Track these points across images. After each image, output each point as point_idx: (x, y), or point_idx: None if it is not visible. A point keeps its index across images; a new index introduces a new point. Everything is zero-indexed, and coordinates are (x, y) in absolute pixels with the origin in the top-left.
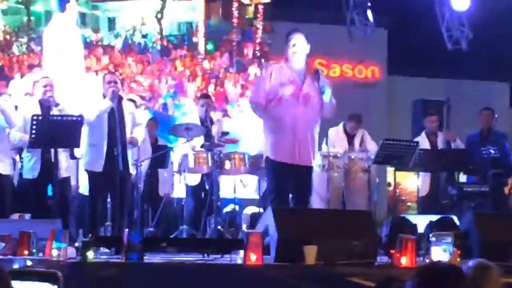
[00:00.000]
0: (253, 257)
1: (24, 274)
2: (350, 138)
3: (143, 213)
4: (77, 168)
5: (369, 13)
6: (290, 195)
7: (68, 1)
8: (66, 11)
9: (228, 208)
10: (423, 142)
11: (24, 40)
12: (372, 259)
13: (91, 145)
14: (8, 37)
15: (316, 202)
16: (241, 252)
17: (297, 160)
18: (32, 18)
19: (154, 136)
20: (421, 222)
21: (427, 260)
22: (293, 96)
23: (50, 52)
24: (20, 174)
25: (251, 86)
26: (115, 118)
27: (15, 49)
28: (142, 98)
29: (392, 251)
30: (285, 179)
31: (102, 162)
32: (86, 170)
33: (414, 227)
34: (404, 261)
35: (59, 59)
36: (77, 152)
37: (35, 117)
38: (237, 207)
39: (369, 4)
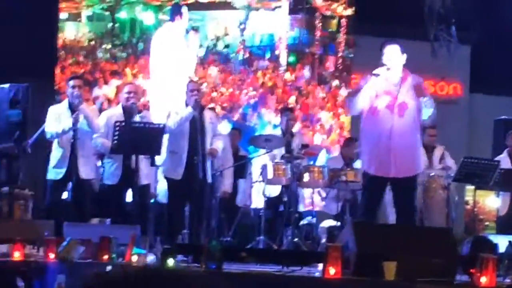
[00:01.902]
0: (332, 271)
1: None
2: (430, 154)
3: (220, 222)
4: (156, 175)
5: (453, 29)
6: (391, 210)
7: (179, 12)
8: (176, 22)
9: (305, 220)
10: (505, 161)
11: (108, 46)
12: (451, 277)
13: (171, 153)
14: (92, 43)
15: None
16: (320, 265)
17: (394, 173)
18: (116, 25)
19: (236, 146)
20: (501, 242)
21: (508, 281)
22: (388, 107)
23: (156, 59)
24: (101, 180)
25: (332, 100)
26: (197, 126)
27: (99, 55)
28: (223, 108)
29: (472, 271)
30: (379, 194)
31: (182, 170)
32: (166, 178)
33: (495, 246)
34: (484, 280)
35: (165, 66)
36: (157, 159)
37: (117, 124)
38: (314, 220)
39: (453, 20)
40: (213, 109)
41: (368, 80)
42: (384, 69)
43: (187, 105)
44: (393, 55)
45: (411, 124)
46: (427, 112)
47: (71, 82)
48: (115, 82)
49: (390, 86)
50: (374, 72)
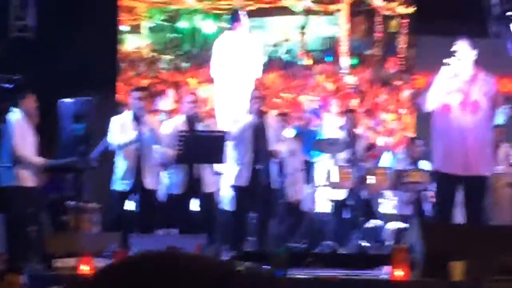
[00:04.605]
0: (399, 273)
1: None
2: (495, 152)
3: (286, 228)
4: (220, 183)
5: None
6: (458, 210)
7: (238, 19)
8: (237, 29)
9: (371, 223)
10: None
11: (170, 57)
12: None
13: (235, 160)
14: (154, 54)
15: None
16: (387, 268)
17: (469, 171)
18: (177, 35)
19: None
20: None
21: None
22: (462, 105)
23: (219, 68)
24: (167, 189)
25: (395, 101)
26: (259, 133)
27: (160, 66)
28: (283, 113)
29: None
30: (452, 192)
31: (246, 177)
32: (230, 185)
33: None
34: None
35: (228, 73)
36: (221, 167)
37: (181, 134)
38: (380, 222)
39: None
40: (284, 114)
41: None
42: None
43: (249, 112)
44: (464, 51)
45: (484, 123)
46: (502, 118)
47: (135, 94)
48: (177, 93)
49: (461, 83)
50: (444, 61)
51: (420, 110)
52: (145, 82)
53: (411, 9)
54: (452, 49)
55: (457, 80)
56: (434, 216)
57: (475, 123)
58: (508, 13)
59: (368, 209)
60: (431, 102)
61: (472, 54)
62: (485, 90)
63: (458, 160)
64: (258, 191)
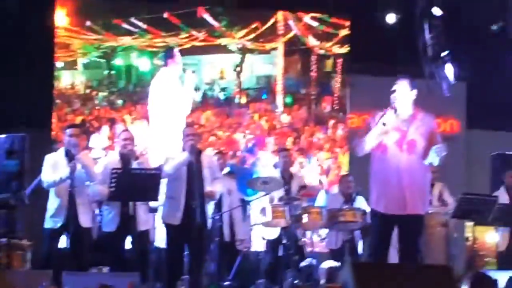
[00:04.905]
0: None
1: None
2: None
3: (220, 266)
4: (154, 221)
5: (448, 66)
6: (393, 250)
7: (171, 56)
8: (169, 66)
9: (305, 262)
10: (503, 196)
11: (105, 94)
12: None
13: (169, 198)
14: (89, 91)
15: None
16: None
17: (404, 210)
18: (112, 72)
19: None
20: (501, 277)
21: None
22: (397, 144)
23: (154, 105)
24: (99, 227)
25: (329, 140)
26: (194, 171)
27: (95, 103)
28: (220, 151)
29: None
30: (388, 233)
31: (180, 215)
32: (164, 223)
33: (495, 282)
34: None
35: (162, 111)
36: (155, 205)
37: (114, 171)
38: (314, 261)
39: (448, 57)
40: (221, 153)
41: (376, 123)
42: (391, 114)
43: (183, 150)
44: (403, 90)
45: (421, 162)
46: (437, 159)
47: (68, 131)
48: (111, 130)
49: (400, 122)
50: (383, 121)
51: (355, 153)
52: (80, 119)
53: (345, 49)
54: (392, 88)
55: (396, 119)
56: (369, 255)
57: (411, 163)
58: (443, 54)
59: (302, 247)
60: (369, 143)
61: (412, 93)
62: (422, 129)
63: (394, 199)
64: (192, 229)
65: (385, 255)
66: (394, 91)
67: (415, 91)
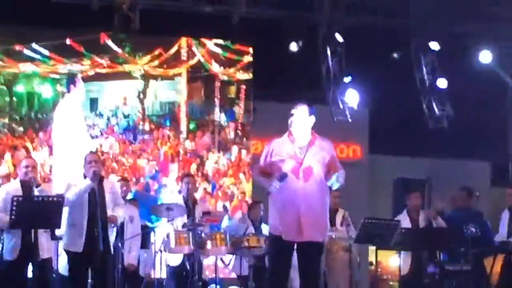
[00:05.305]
0: None
1: None
2: (332, 216)
3: None
4: (57, 248)
5: (350, 93)
6: (296, 274)
7: (73, 82)
8: (72, 92)
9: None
10: (405, 220)
11: (6, 121)
12: None
13: (71, 225)
14: None
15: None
16: None
17: (300, 238)
18: (14, 99)
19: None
20: None
21: None
22: (293, 172)
23: (57, 132)
24: (0, 256)
25: (233, 166)
26: (96, 198)
27: None
28: (124, 178)
29: None
30: (285, 258)
31: (82, 242)
32: (66, 251)
33: None
34: None
35: (65, 138)
36: (58, 232)
37: (15, 198)
38: (218, 287)
39: (351, 83)
40: (125, 179)
41: (270, 145)
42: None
43: (85, 176)
44: (298, 115)
45: (318, 189)
46: (336, 185)
47: None
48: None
49: (296, 149)
50: (281, 175)
51: (256, 178)
52: None
53: (249, 75)
54: (290, 113)
55: (292, 146)
56: (268, 280)
57: (309, 190)
58: (345, 80)
59: (206, 273)
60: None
61: (310, 119)
62: (320, 156)
63: (291, 227)
64: (95, 256)
65: (285, 280)
66: (292, 114)
67: (313, 117)
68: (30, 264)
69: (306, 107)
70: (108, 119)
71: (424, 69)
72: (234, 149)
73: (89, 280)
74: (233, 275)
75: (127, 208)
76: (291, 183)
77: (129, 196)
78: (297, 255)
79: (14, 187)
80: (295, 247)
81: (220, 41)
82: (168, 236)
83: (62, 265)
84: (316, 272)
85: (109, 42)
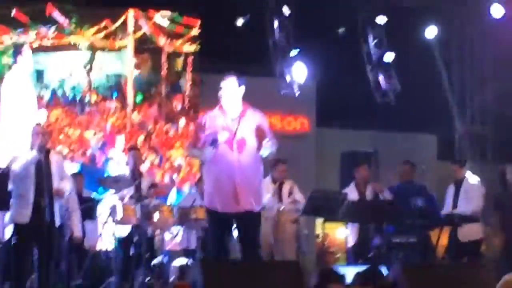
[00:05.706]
0: None
1: None
2: (279, 189)
3: (70, 265)
4: (3, 219)
5: (298, 66)
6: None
7: (20, 53)
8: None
9: (156, 260)
10: (352, 193)
11: None
12: None
13: (17, 197)
14: None
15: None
16: None
17: (237, 209)
18: None
19: (79, 189)
20: (350, 273)
21: None
22: (227, 143)
23: (3, 103)
24: None
25: (180, 138)
26: (42, 170)
27: None
28: (70, 150)
29: None
30: (225, 230)
31: (28, 213)
32: (13, 222)
33: (342, 277)
34: None
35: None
36: (3, 204)
37: None
38: (165, 259)
39: (298, 57)
40: (60, 152)
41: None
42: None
43: (32, 148)
44: (228, 87)
45: (252, 160)
46: (266, 152)
47: None
48: None
49: (228, 121)
50: (212, 139)
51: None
52: None
53: (195, 47)
54: (220, 86)
55: (224, 118)
56: (209, 252)
57: (242, 161)
58: (292, 53)
59: (154, 245)
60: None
61: (240, 90)
62: (251, 127)
63: (228, 196)
64: (41, 228)
65: (227, 253)
66: (221, 88)
67: (242, 88)
68: None
69: (234, 78)
70: (54, 90)
71: (371, 43)
72: (182, 121)
73: (35, 251)
74: (181, 247)
75: (73, 179)
76: (225, 155)
77: (76, 167)
78: (236, 226)
79: None
80: (234, 220)
81: (168, 13)
82: (115, 207)
83: (8, 236)
84: (255, 241)
85: (55, 14)
